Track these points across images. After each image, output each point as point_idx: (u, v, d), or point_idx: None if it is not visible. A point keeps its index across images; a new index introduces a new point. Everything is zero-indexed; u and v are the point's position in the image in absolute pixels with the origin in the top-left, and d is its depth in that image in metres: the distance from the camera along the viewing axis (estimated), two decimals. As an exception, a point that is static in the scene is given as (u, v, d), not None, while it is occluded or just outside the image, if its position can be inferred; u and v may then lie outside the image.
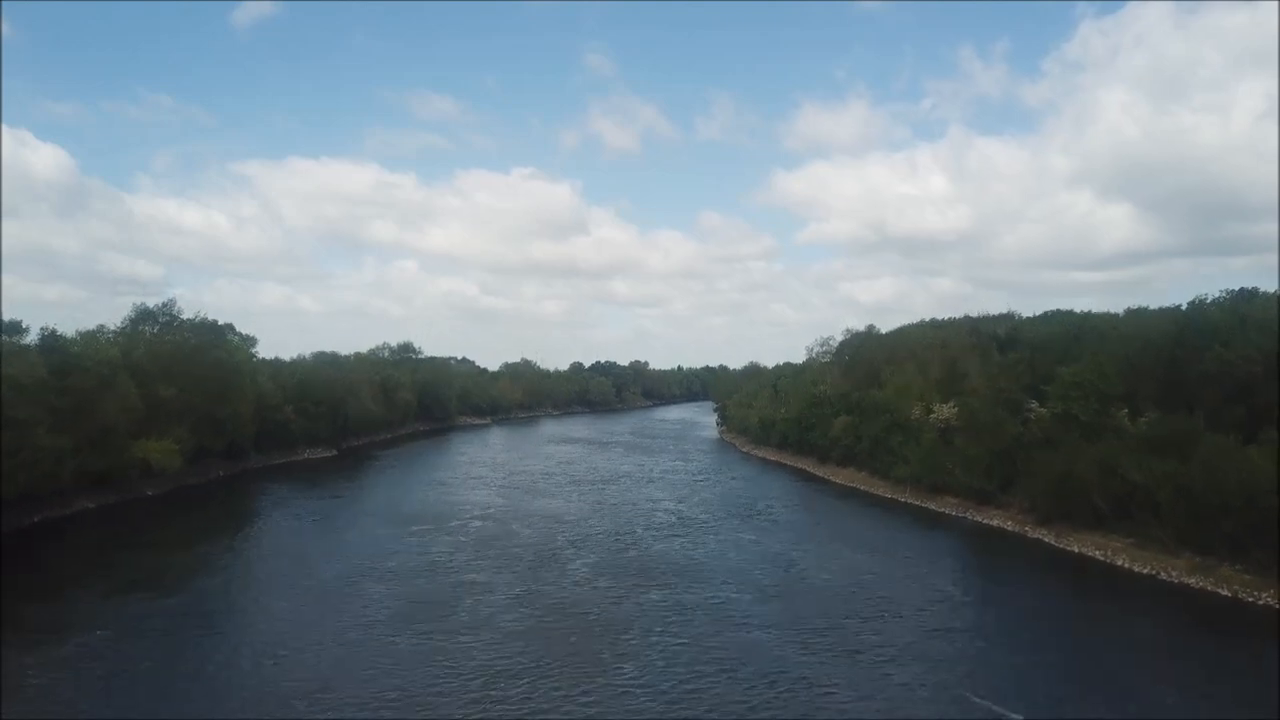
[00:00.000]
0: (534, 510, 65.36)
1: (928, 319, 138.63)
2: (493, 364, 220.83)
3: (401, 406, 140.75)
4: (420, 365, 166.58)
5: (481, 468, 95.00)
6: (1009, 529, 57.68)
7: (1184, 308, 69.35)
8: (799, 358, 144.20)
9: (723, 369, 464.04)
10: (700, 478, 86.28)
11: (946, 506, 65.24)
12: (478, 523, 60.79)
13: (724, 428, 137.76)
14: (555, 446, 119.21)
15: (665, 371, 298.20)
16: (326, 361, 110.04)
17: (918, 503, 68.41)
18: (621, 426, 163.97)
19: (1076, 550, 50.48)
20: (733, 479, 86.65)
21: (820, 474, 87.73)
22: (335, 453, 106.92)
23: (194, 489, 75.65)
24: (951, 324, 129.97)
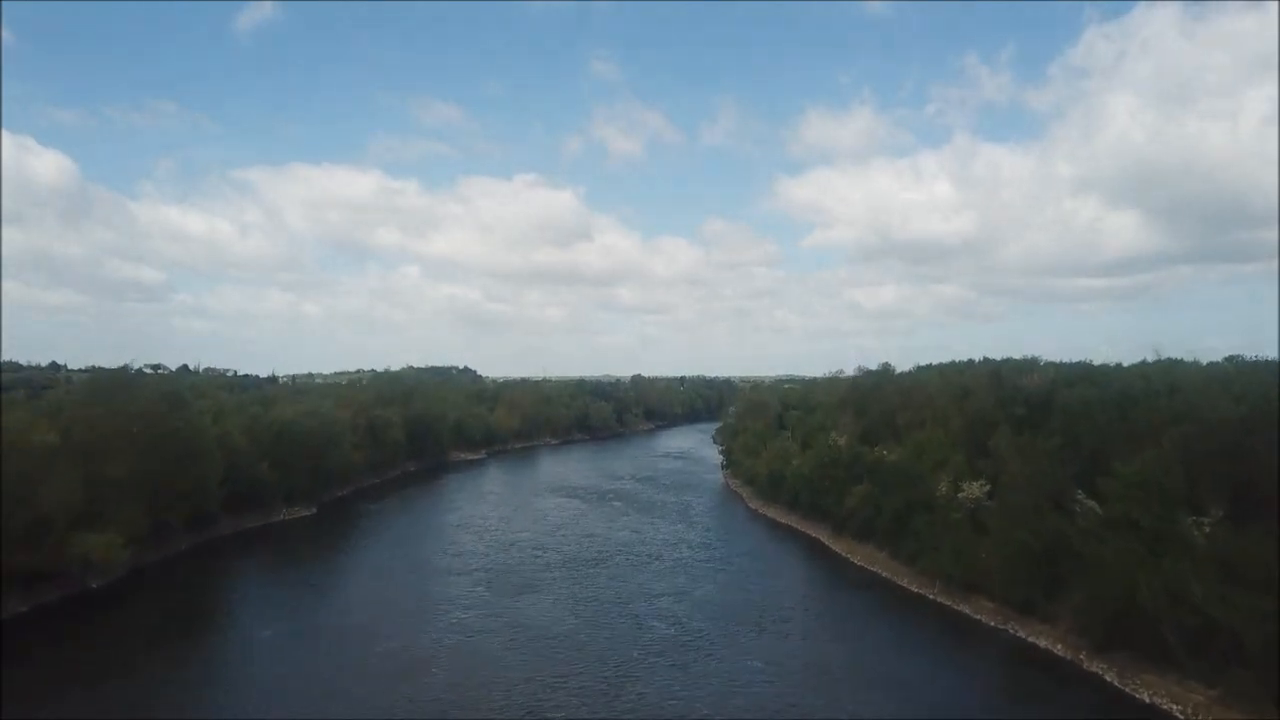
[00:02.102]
0: (517, 619, 58.22)
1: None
2: (495, 371, 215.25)
3: (391, 446, 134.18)
4: (414, 395, 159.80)
5: (468, 536, 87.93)
6: (1059, 653, 50.37)
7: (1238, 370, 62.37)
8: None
9: (726, 383, 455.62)
10: (703, 556, 79.01)
11: (982, 613, 57.93)
12: (452, 638, 53.71)
13: (728, 471, 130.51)
14: (551, 500, 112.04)
15: (667, 391, 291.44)
16: (308, 411, 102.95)
17: (948, 603, 61.09)
18: (622, 463, 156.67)
19: (1147, 699, 43.10)
20: (740, 556, 79.42)
21: (836, 548, 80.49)
22: (315, 510, 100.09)
23: (150, 571, 68.82)
24: (971, 369, 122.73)
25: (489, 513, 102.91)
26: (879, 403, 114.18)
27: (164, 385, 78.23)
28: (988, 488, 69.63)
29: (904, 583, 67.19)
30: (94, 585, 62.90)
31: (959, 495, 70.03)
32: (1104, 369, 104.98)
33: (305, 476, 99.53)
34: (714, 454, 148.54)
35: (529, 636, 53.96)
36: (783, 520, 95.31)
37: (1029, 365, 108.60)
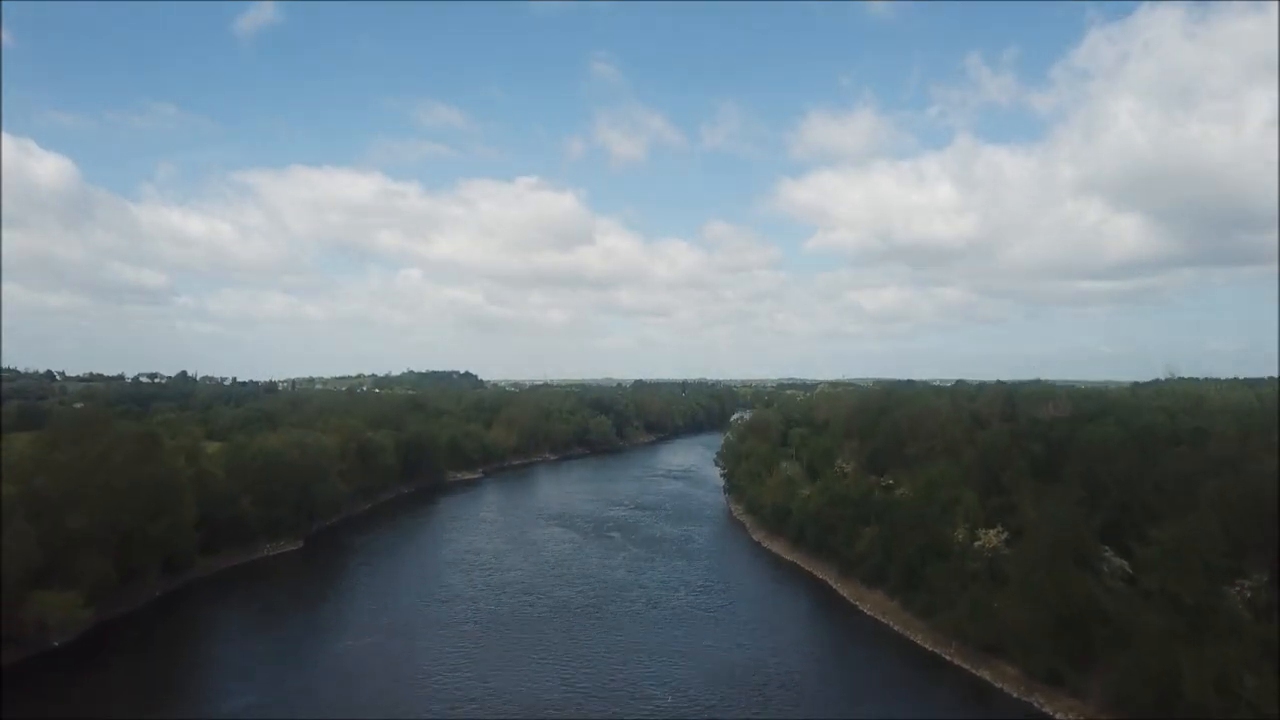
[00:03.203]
0: (505, 686, 54.20)
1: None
2: (497, 375, 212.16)
3: (382, 471, 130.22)
4: (407, 417, 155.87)
5: (457, 576, 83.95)
6: (1092, 736, 46.29)
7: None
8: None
9: (728, 390, 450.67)
10: (704, 603, 74.82)
11: (1004, 680, 53.77)
12: (435, 710, 49.73)
13: (730, 496, 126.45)
14: (546, 531, 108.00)
15: (667, 404, 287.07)
16: (293, 442, 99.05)
17: (967, 667, 56.92)
18: (622, 486, 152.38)
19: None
20: (744, 602, 75.35)
21: (843, 593, 76.38)
22: (301, 544, 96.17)
23: (117, 626, 64.88)
24: (983, 394, 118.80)
25: (482, 545, 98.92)
26: (886, 429, 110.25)
27: (135, 426, 74.18)
28: (1005, 535, 65.69)
29: (918, 639, 63.05)
30: (55, 644, 59.09)
31: (976, 544, 66.05)
32: (1120, 396, 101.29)
33: (291, 509, 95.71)
34: (716, 473, 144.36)
35: (517, 708, 50.01)
36: (787, 557, 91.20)
37: (1043, 391, 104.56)
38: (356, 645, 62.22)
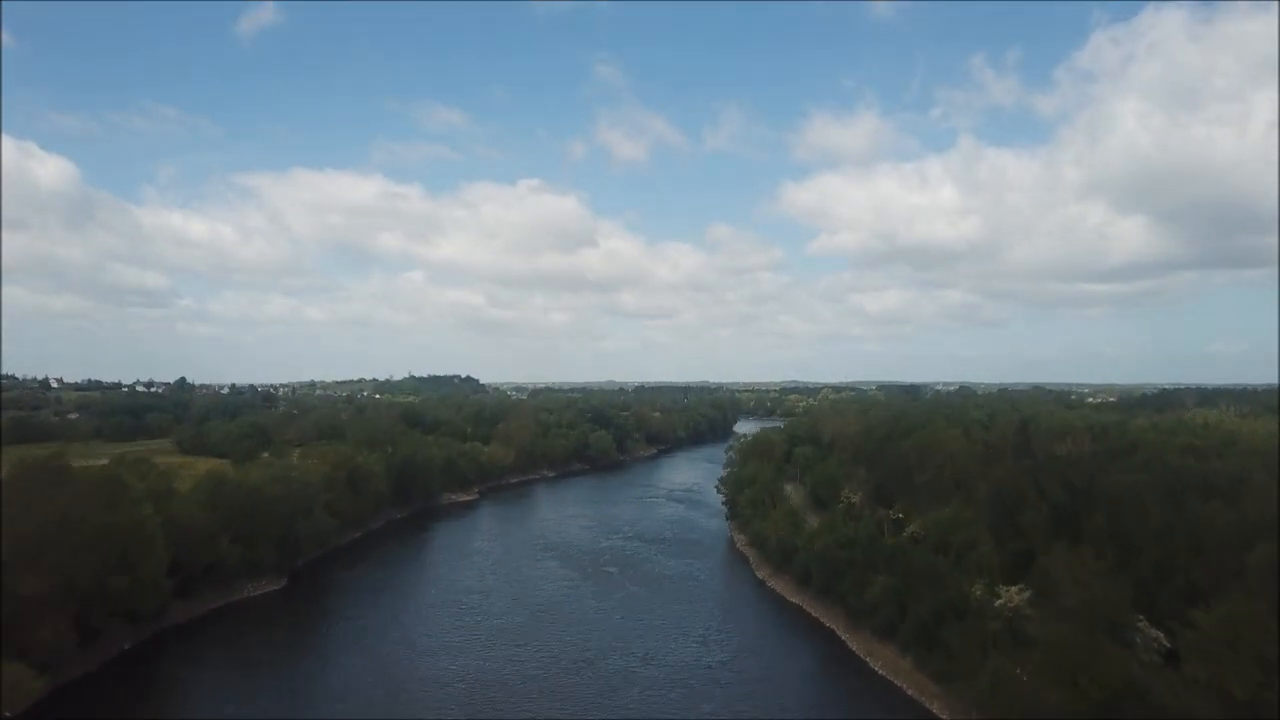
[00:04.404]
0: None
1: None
2: (498, 378, 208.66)
3: (372, 497, 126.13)
4: (401, 436, 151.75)
5: (444, 621, 79.66)
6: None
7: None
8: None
9: (731, 399, 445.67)
10: (704, 659, 70.45)
11: (1032, 767, 49.25)
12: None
13: (733, 524, 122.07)
14: (540, 566, 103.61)
15: (668, 417, 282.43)
16: (276, 477, 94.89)
17: (991, 748, 52.41)
18: (621, 510, 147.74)
19: None
20: (746, 655, 70.96)
21: (853, 646, 71.91)
22: (285, 582, 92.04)
23: (77, 688, 60.77)
24: (996, 424, 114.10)
25: (472, 583, 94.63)
26: (894, 457, 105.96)
27: (99, 472, 69.98)
28: (1028, 594, 61.27)
29: (934, 708, 58.60)
30: (7, 715, 54.90)
31: (996, 603, 61.60)
32: (1142, 431, 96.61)
33: (273, 547, 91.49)
34: (718, 493, 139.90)
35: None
36: (792, 599, 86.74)
37: (1060, 424, 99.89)
38: (331, 710, 57.95)
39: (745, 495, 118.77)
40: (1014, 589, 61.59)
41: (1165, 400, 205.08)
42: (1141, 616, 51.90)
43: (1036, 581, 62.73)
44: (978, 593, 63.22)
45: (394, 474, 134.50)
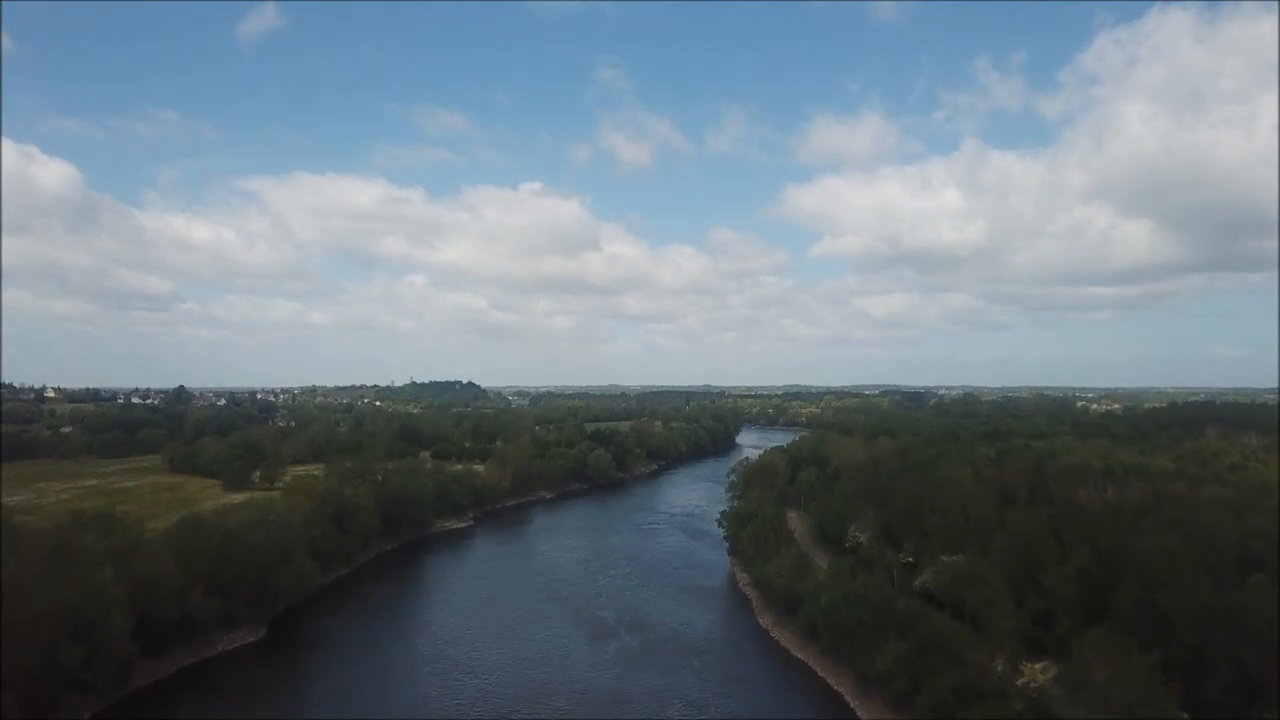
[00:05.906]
0: None
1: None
2: (501, 382, 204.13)
3: (361, 530, 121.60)
4: (389, 472, 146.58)
5: (431, 677, 74.95)
6: None
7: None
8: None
9: (733, 411, 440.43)
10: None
11: None
12: None
13: (735, 561, 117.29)
14: (534, 610, 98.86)
15: (668, 433, 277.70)
16: (254, 521, 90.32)
17: None
18: (620, 539, 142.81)
19: None
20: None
21: (863, 715, 67.16)
22: (264, 632, 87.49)
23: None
24: (1011, 454, 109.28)
25: (460, 633, 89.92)
26: (904, 496, 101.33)
27: (51, 536, 65.38)
28: (1053, 673, 56.59)
29: (953, 801, 53.82)
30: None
31: (1019, 681, 56.90)
32: (1167, 473, 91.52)
33: (249, 597, 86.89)
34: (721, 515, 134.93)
35: None
36: (798, 654, 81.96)
37: (1079, 464, 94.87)
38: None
39: (747, 531, 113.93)
40: (1038, 667, 56.89)
41: (1177, 418, 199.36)
42: (1185, 715, 47.17)
43: (1059, 653, 58.30)
44: (999, 668, 58.51)
45: (384, 504, 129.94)
